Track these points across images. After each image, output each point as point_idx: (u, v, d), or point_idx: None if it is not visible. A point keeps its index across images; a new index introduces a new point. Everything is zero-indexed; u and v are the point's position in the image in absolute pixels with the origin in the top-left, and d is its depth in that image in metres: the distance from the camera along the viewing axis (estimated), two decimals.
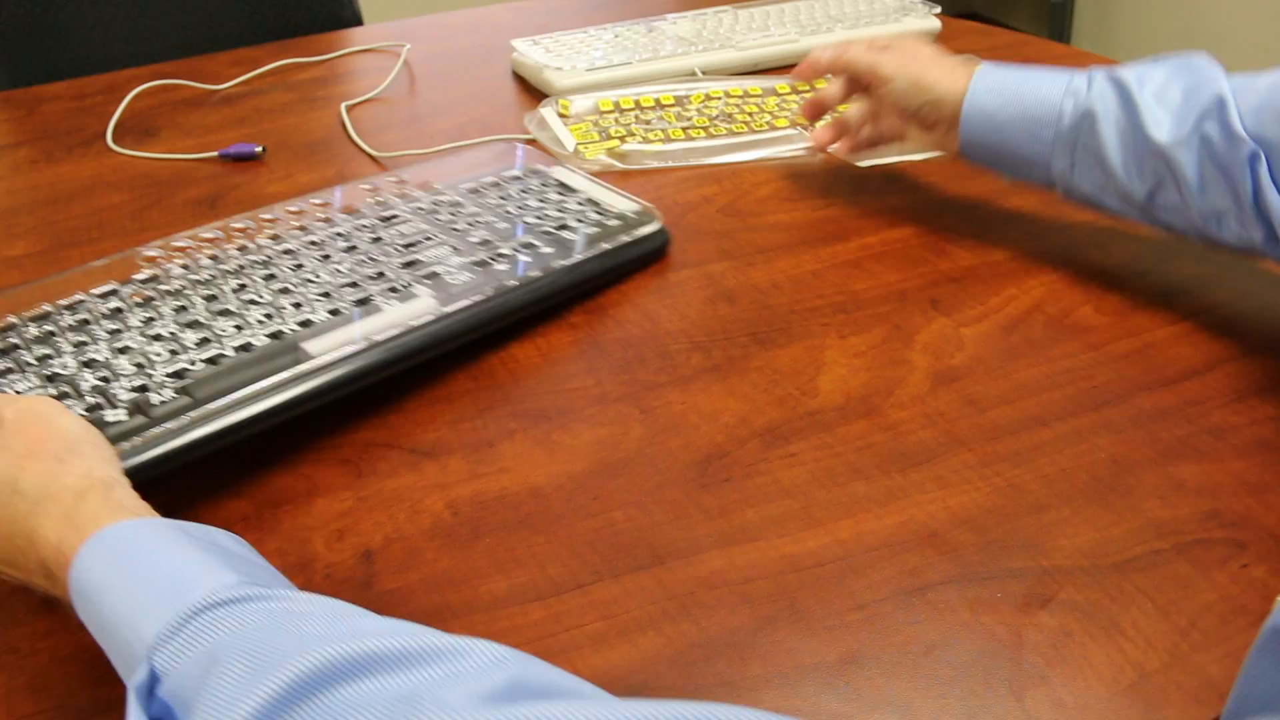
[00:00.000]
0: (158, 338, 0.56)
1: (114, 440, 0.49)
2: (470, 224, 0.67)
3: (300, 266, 0.62)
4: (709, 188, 0.77)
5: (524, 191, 0.71)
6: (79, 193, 0.77)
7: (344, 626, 0.35)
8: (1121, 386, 0.58)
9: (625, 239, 0.66)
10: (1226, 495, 0.51)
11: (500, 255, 0.64)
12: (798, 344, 0.61)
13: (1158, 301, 0.64)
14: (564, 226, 0.67)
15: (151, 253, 0.62)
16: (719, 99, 0.87)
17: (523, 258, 0.63)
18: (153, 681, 0.35)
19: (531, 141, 0.82)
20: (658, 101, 0.86)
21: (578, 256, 0.64)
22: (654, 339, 0.62)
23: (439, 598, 0.47)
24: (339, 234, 0.65)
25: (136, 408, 0.51)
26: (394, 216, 0.67)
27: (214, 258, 0.62)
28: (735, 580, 0.47)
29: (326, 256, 0.63)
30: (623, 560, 0.48)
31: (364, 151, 0.83)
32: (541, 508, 0.51)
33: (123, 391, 0.52)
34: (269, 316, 0.57)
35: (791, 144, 0.81)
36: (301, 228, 0.65)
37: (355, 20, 1.17)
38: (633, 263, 0.67)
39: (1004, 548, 0.49)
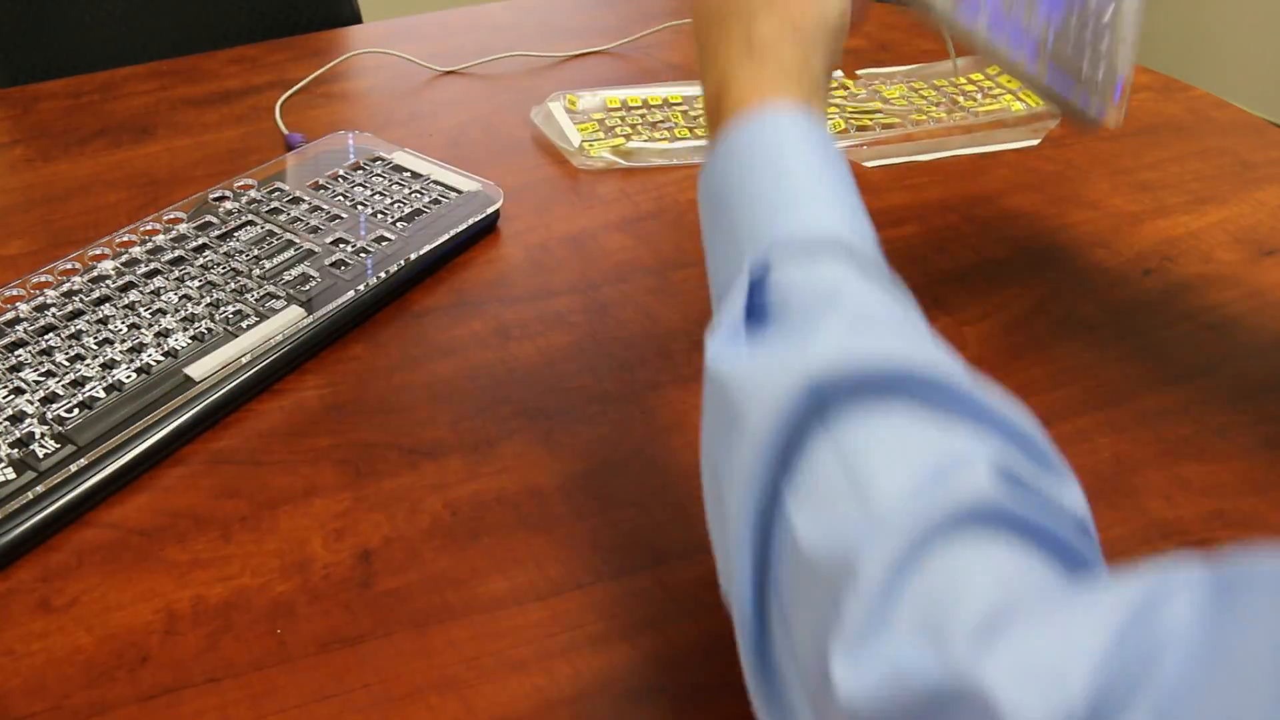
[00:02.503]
0: (19, 391, 0.54)
1: (3, 501, 0.48)
2: (321, 224, 0.68)
3: (158, 292, 0.61)
4: None
5: (367, 181, 0.72)
6: (75, 191, 0.77)
7: (919, 337, 0.35)
8: (1125, 386, 0.57)
9: (476, 219, 0.69)
10: (1231, 495, 0.51)
11: (360, 251, 0.65)
12: None
13: (1161, 300, 0.64)
14: (417, 212, 0.69)
15: (11, 292, 0.61)
16: None
17: (376, 252, 0.65)
18: (761, 274, 0.36)
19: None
20: (665, 100, 0.86)
21: (434, 244, 0.66)
22: (654, 338, 0.61)
23: (438, 598, 0.47)
24: (194, 249, 0.65)
25: (23, 463, 0.50)
26: (248, 223, 0.67)
27: (68, 293, 0.61)
28: None
29: (180, 279, 0.62)
30: (623, 560, 0.48)
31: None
32: (541, 508, 0.51)
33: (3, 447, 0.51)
34: (137, 350, 0.57)
35: None
36: (155, 249, 0.65)
37: (354, 18, 1.17)
38: (473, 239, 0.69)
39: None
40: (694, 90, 0.87)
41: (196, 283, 0.62)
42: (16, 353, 0.57)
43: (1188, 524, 0.49)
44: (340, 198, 0.70)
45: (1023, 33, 0.51)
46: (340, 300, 0.61)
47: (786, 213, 0.37)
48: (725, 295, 0.36)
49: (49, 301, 0.61)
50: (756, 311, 0.36)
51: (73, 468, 0.50)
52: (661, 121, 0.83)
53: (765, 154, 0.38)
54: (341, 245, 0.66)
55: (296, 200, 0.70)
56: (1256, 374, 0.58)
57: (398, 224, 0.68)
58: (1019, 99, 0.85)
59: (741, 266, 0.36)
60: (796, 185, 0.38)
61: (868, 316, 0.34)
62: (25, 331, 0.58)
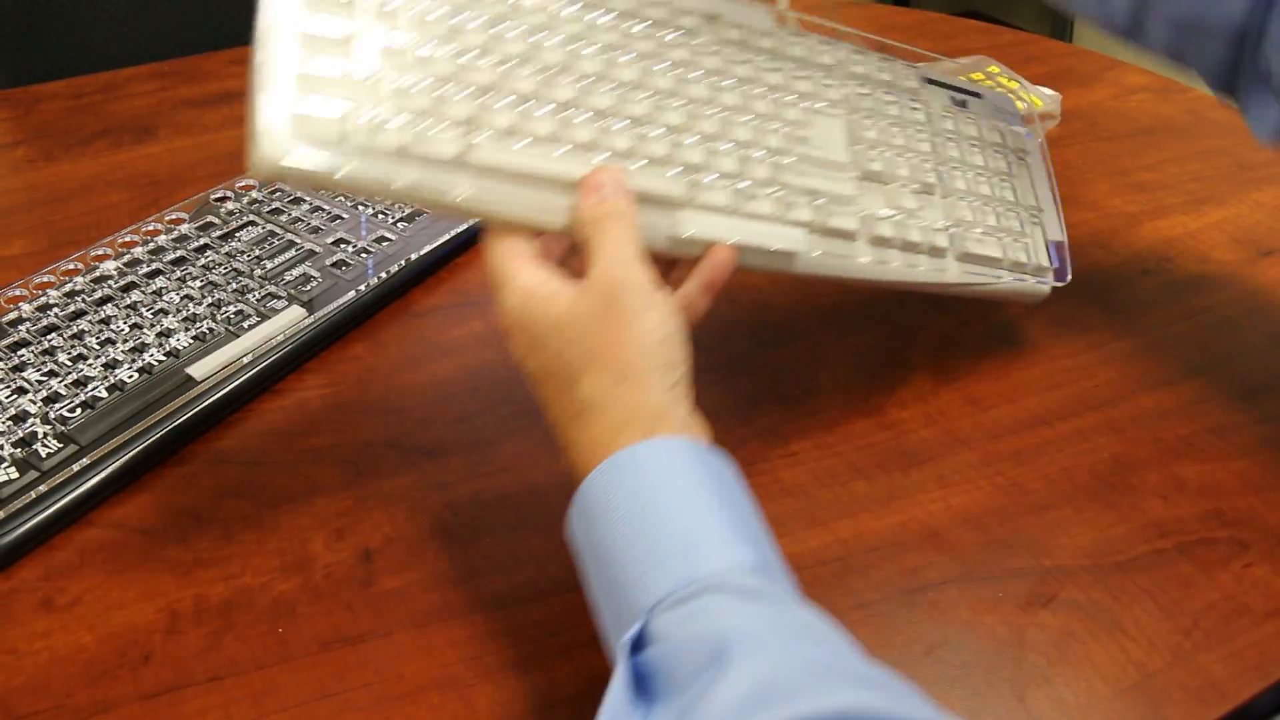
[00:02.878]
0: (21, 390, 0.55)
1: (6, 501, 0.49)
2: (322, 224, 0.68)
3: (160, 293, 0.61)
4: None
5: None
6: (77, 192, 0.77)
7: (851, 665, 0.32)
8: (1123, 385, 0.58)
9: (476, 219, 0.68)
10: (1229, 494, 0.51)
11: (361, 251, 0.65)
12: (798, 343, 0.61)
13: (1160, 300, 0.64)
14: (418, 213, 0.69)
15: (13, 293, 0.61)
16: None
17: (377, 252, 0.65)
18: (641, 640, 0.34)
19: None
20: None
21: (433, 244, 0.66)
22: None
23: (439, 597, 0.47)
24: (196, 249, 0.65)
25: (26, 463, 0.51)
26: (250, 223, 0.67)
27: (71, 293, 0.61)
28: None
29: (182, 280, 0.62)
30: None
31: None
32: (541, 507, 0.51)
33: (6, 446, 0.51)
34: (139, 350, 0.57)
35: None
36: (156, 250, 0.65)
37: None
38: (473, 239, 0.69)
39: (1006, 547, 0.48)
40: None
41: (198, 283, 0.62)
42: (19, 352, 0.57)
43: (1185, 524, 0.49)
44: (341, 198, 0.71)
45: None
46: (341, 300, 0.61)
47: (654, 569, 0.35)
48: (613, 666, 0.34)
49: (51, 301, 0.61)
50: (644, 680, 0.34)
51: (75, 467, 0.50)
52: None
53: (621, 508, 0.37)
54: (343, 245, 0.66)
55: (297, 200, 0.70)
56: (1254, 374, 0.58)
57: (398, 224, 0.68)
58: (1019, 99, 0.85)
59: (620, 639, 0.34)
60: (660, 534, 0.36)
61: (764, 679, 0.31)
62: (28, 331, 0.58)
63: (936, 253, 0.53)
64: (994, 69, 0.90)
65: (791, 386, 0.58)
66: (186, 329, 0.58)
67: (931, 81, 0.60)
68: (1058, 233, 0.58)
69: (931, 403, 0.57)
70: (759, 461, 0.53)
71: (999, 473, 0.52)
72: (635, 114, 0.46)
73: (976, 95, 0.62)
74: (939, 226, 0.53)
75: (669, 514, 0.36)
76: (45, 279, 0.63)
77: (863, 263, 0.50)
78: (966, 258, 0.53)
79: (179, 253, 0.65)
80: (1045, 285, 0.56)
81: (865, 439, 0.54)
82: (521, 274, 0.41)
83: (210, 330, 0.58)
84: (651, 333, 0.40)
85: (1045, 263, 0.56)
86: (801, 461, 0.53)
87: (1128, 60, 0.96)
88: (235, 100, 0.90)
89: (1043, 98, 0.84)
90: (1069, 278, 0.57)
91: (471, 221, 0.68)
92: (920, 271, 0.52)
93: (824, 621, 0.34)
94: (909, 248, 0.52)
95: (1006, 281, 0.55)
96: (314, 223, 0.68)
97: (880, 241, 0.51)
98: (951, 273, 0.53)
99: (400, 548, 0.49)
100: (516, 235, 0.42)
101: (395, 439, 0.55)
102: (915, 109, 0.57)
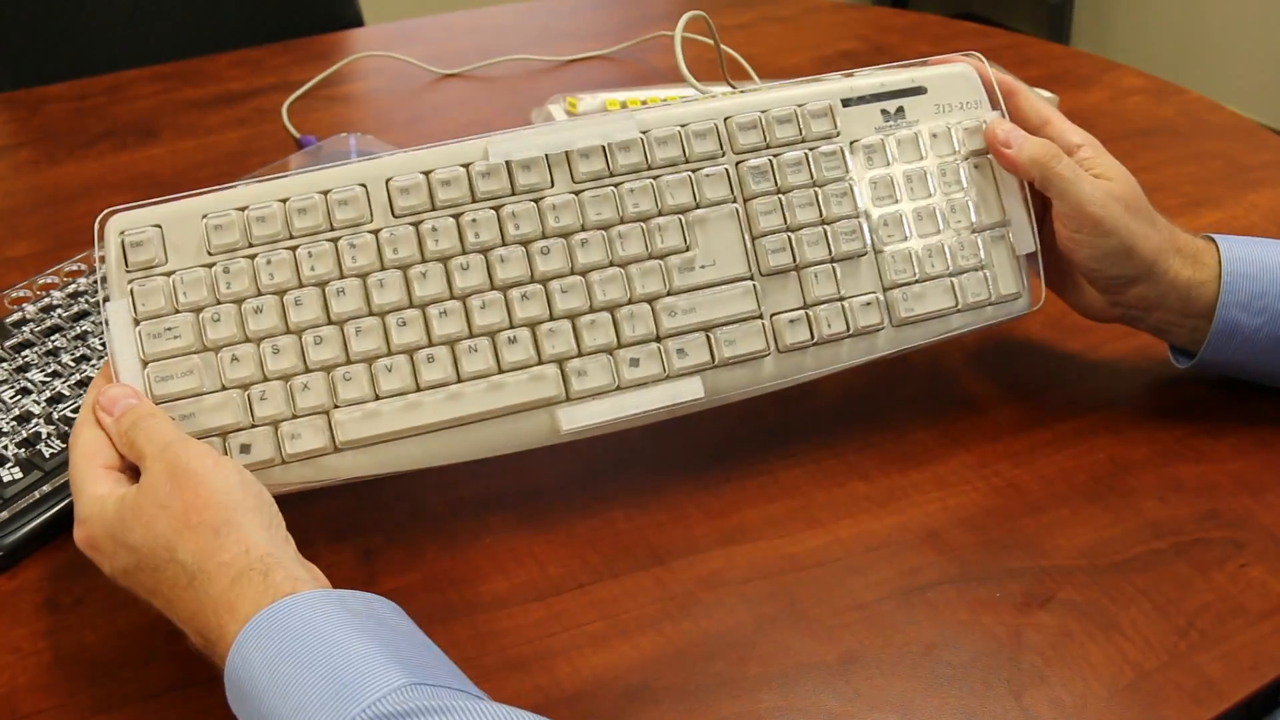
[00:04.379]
0: (25, 391, 0.55)
1: (10, 500, 0.49)
2: None
3: None
4: None
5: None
6: (80, 193, 0.77)
7: None
8: (1120, 387, 0.58)
9: None
10: (1225, 495, 0.51)
11: None
12: None
13: None
14: None
15: (18, 294, 0.62)
16: None
17: None
18: None
19: None
20: (665, 102, 0.86)
21: None
22: None
23: (439, 597, 0.47)
24: None
25: (30, 463, 0.51)
26: None
27: (74, 294, 0.62)
28: (735, 580, 0.47)
29: None
30: (623, 560, 0.48)
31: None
32: (541, 508, 0.51)
33: (10, 446, 0.52)
34: None
35: None
36: None
37: (356, 21, 1.17)
38: None
39: (1003, 548, 0.49)
40: (693, 92, 0.88)
41: None
42: (23, 353, 0.57)
43: (1182, 524, 0.50)
44: None
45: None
46: None
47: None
48: None
49: (55, 302, 0.61)
50: None
51: None
52: None
53: (261, 678, 0.36)
54: None
55: None
56: None
57: None
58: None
59: None
60: (306, 685, 0.35)
61: None
62: (32, 332, 0.59)
63: (865, 331, 0.50)
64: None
65: (789, 388, 0.58)
66: None
67: (853, 101, 0.52)
68: (1029, 242, 0.52)
69: (929, 404, 0.57)
70: (758, 462, 0.53)
71: (996, 474, 0.53)
72: (488, 324, 0.46)
73: (919, 91, 0.53)
74: (865, 301, 0.50)
75: (313, 658, 0.36)
76: (49, 280, 0.63)
77: (770, 374, 0.49)
78: (907, 321, 0.51)
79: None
80: (1010, 315, 0.52)
81: (863, 440, 0.55)
82: (96, 484, 0.42)
83: None
84: (228, 481, 0.41)
85: (1013, 288, 0.52)
86: (800, 462, 0.53)
87: (1124, 62, 0.96)
88: (237, 102, 0.91)
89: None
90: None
91: None
92: (843, 357, 0.50)
93: (494, 714, 0.35)
94: (827, 341, 0.50)
95: (962, 325, 0.51)
96: None
97: (791, 349, 0.49)
98: (883, 343, 0.50)
99: (401, 548, 0.49)
100: (98, 441, 0.43)
101: None
102: (830, 154, 0.51)
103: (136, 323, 0.45)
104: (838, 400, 0.57)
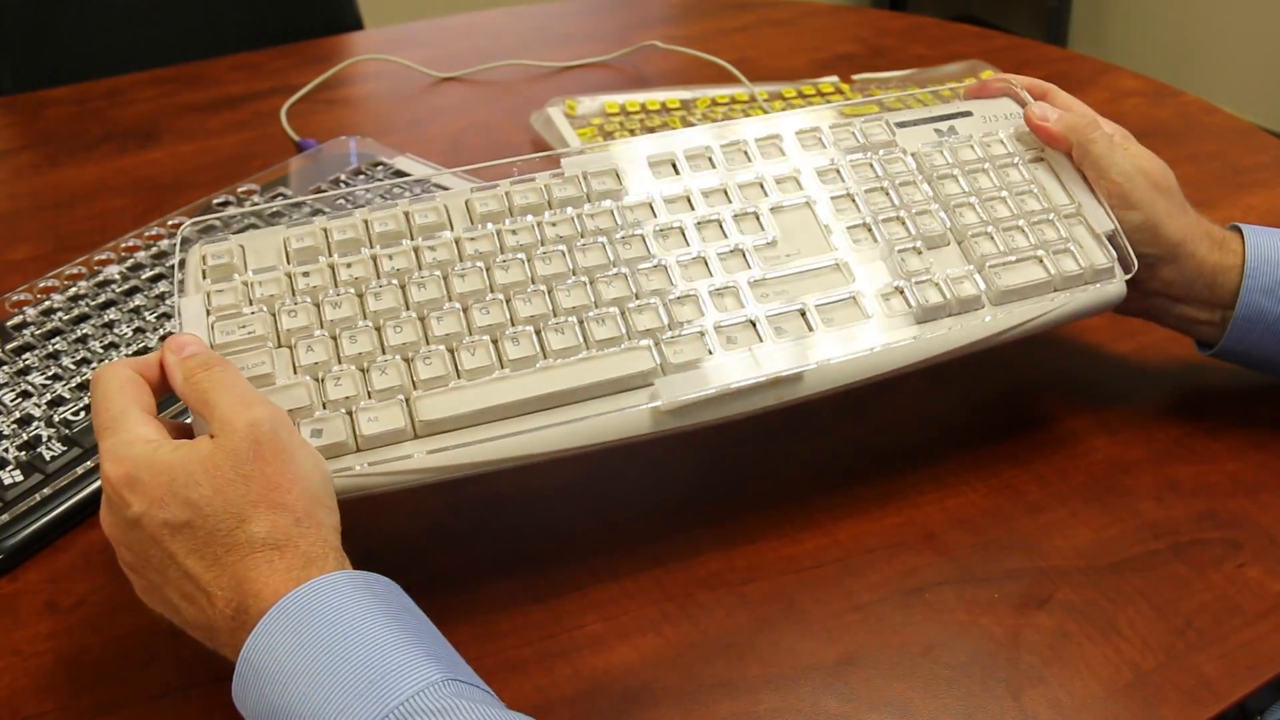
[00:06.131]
0: (26, 394, 0.55)
1: (11, 503, 0.49)
2: None
3: (162, 297, 0.62)
4: None
5: (371, 187, 0.73)
6: (81, 197, 0.77)
7: None
8: (1118, 388, 0.58)
9: None
10: (1222, 496, 0.51)
11: None
12: None
13: None
14: None
15: (18, 297, 0.62)
16: (725, 104, 0.87)
17: None
18: None
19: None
20: (664, 105, 0.87)
21: None
22: None
23: (439, 599, 0.47)
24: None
25: (31, 466, 0.51)
26: (251, 227, 0.68)
27: (74, 297, 0.62)
28: (734, 581, 0.48)
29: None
30: (622, 561, 0.49)
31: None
32: (541, 508, 0.51)
33: (12, 449, 0.52)
34: (142, 353, 0.57)
35: None
36: (159, 254, 0.66)
37: (356, 25, 1.17)
38: None
39: (1001, 548, 0.49)
40: (693, 94, 0.88)
41: None
42: (24, 356, 0.57)
43: (1179, 525, 0.50)
44: (343, 202, 0.71)
45: None
46: None
47: (344, 710, 0.34)
48: None
49: (55, 305, 0.61)
50: None
51: (79, 470, 0.51)
52: (660, 126, 0.84)
53: (296, 657, 0.35)
54: None
55: (299, 204, 0.71)
56: (1246, 376, 0.59)
57: None
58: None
59: None
60: (343, 671, 0.34)
61: None
62: (32, 335, 0.59)
63: (968, 304, 0.48)
64: (988, 74, 0.90)
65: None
66: None
67: (905, 124, 0.55)
68: (1106, 221, 0.51)
69: (928, 405, 0.57)
70: (756, 465, 0.54)
71: (994, 474, 0.53)
72: (572, 304, 0.46)
73: (965, 114, 0.56)
74: (959, 274, 0.49)
75: (348, 647, 0.35)
76: (49, 283, 0.63)
77: (874, 352, 0.47)
78: (1006, 296, 0.49)
79: (182, 257, 0.65)
80: (1113, 284, 0.50)
81: (862, 442, 0.55)
82: (142, 425, 0.40)
83: None
84: (317, 469, 0.40)
85: (1102, 260, 0.50)
86: (799, 463, 0.54)
87: (1121, 65, 0.96)
88: (237, 105, 0.91)
89: None
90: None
91: None
92: (954, 335, 0.48)
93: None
94: (930, 314, 0.48)
95: (1065, 303, 0.49)
96: None
97: (894, 315, 0.48)
98: (995, 320, 0.48)
99: (401, 549, 0.49)
100: (139, 385, 0.41)
101: None
102: (892, 161, 0.53)
103: (209, 313, 0.45)
104: (836, 402, 0.57)
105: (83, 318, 0.60)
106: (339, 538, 0.39)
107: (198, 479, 0.38)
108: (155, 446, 0.39)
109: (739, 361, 0.45)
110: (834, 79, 0.91)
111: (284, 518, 0.38)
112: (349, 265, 0.46)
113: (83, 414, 0.54)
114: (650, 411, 0.44)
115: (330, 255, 0.47)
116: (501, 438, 0.43)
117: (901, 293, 0.49)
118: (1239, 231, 0.53)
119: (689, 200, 0.51)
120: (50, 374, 0.56)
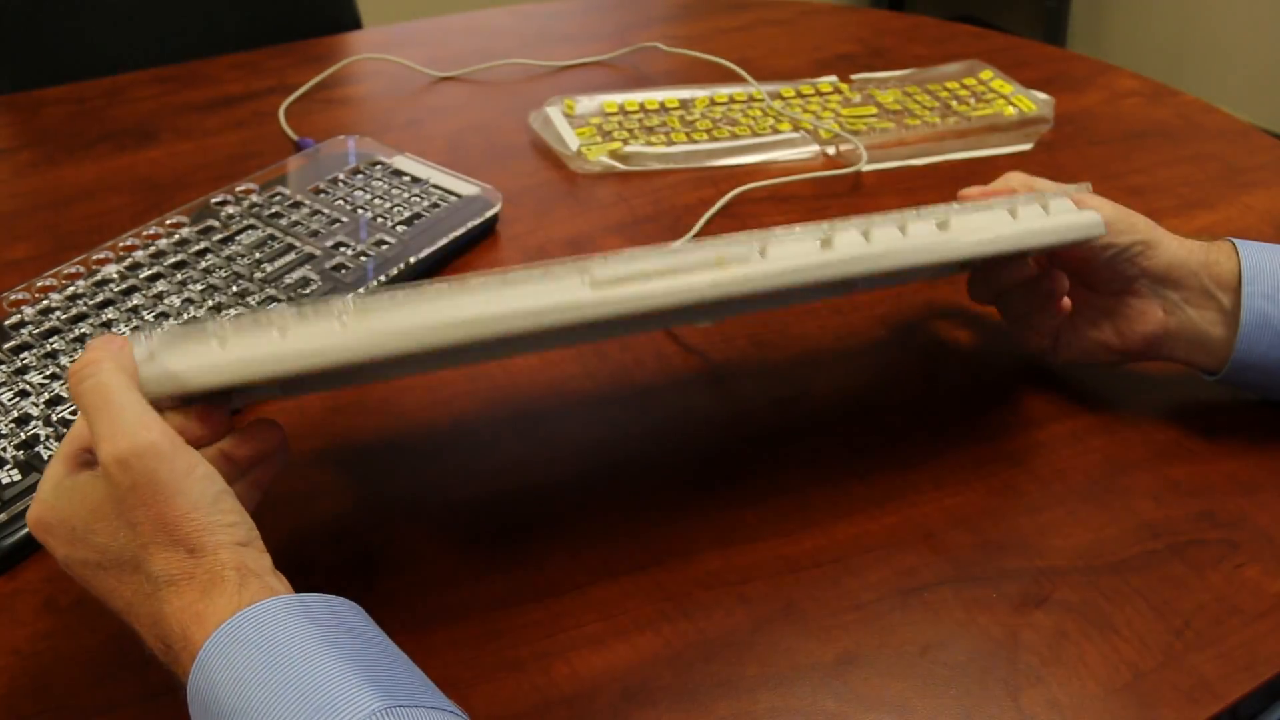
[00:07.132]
0: (24, 393, 0.55)
1: (9, 502, 0.49)
2: (321, 228, 0.68)
3: (161, 296, 0.62)
4: (708, 190, 0.77)
5: (367, 185, 0.73)
6: (79, 195, 0.77)
7: None
8: (1117, 387, 0.58)
9: (475, 222, 0.70)
10: (1220, 496, 0.51)
11: (360, 255, 0.65)
12: (795, 345, 0.62)
13: None
14: (417, 216, 0.70)
15: (16, 296, 0.62)
16: (724, 103, 0.87)
17: (376, 255, 0.66)
18: None
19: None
20: (662, 105, 0.87)
21: (433, 247, 0.67)
22: (652, 341, 0.62)
23: (438, 598, 0.47)
24: (196, 253, 0.65)
25: (29, 465, 0.51)
26: (249, 226, 0.68)
27: (72, 296, 0.61)
28: (733, 580, 0.48)
29: (183, 283, 0.63)
30: (621, 561, 0.49)
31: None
32: (541, 508, 0.51)
33: (9, 449, 0.52)
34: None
35: (792, 147, 0.82)
36: (157, 253, 0.65)
37: (355, 24, 1.17)
38: (472, 242, 0.71)
39: (999, 548, 0.49)
40: (691, 94, 0.88)
41: (199, 286, 0.63)
42: (21, 356, 0.57)
43: (1177, 525, 0.50)
44: (341, 202, 0.71)
45: None
46: None
47: None
48: None
49: (53, 305, 0.61)
50: None
51: None
52: (659, 125, 0.84)
53: (225, 699, 0.34)
54: (342, 249, 0.66)
55: (297, 205, 0.71)
56: None
57: (397, 228, 0.69)
58: (1011, 104, 0.85)
59: None
60: (276, 706, 0.34)
61: None
62: (30, 335, 0.59)
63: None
64: (987, 74, 0.90)
65: (786, 389, 0.59)
66: None
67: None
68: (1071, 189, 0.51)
69: (926, 404, 0.57)
70: (756, 462, 0.54)
71: (993, 474, 0.53)
72: None
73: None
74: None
75: (285, 677, 0.34)
76: (47, 282, 0.63)
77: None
78: (964, 209, 0.46)
79: (180, 256, 0.65)
80: (1088, 227, 0.49)
81: (860, 441, 0.55)
82: (56, 460, 0.39)
83: None
84: (202, 496, 0.38)
85: (1066, 201, 0.49)
86: (798, 463, 0.54)
87: (1120, 65, 0.96)
88: (235, 104, 0.91)
89: (1036, 102, 0.85)
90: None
91: (469, 225, 0.69)
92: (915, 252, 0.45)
93: None
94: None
95: (1027, 220, 0.46)
96: (314, 226, 0.68)
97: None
98: (948, 238, 0.45)
99: (400, 549, 0.50)
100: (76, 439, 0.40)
101: (395, 441, 0.56)
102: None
103: None
104: (834, 401, 0.58)
105: (81, 317, 0.60)
106: (248, 550, 0.38)
107: (93, 526, 0.38)
108: (58, 489, 0.39)
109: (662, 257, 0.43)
110: (833, 78, 0.91)
111: (176, 553, 0.37)
112: None
113: None
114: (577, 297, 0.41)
115: None
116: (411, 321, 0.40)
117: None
118: (1230, 243, 0.53)
119: None
120: (48, 373, 0.56)
